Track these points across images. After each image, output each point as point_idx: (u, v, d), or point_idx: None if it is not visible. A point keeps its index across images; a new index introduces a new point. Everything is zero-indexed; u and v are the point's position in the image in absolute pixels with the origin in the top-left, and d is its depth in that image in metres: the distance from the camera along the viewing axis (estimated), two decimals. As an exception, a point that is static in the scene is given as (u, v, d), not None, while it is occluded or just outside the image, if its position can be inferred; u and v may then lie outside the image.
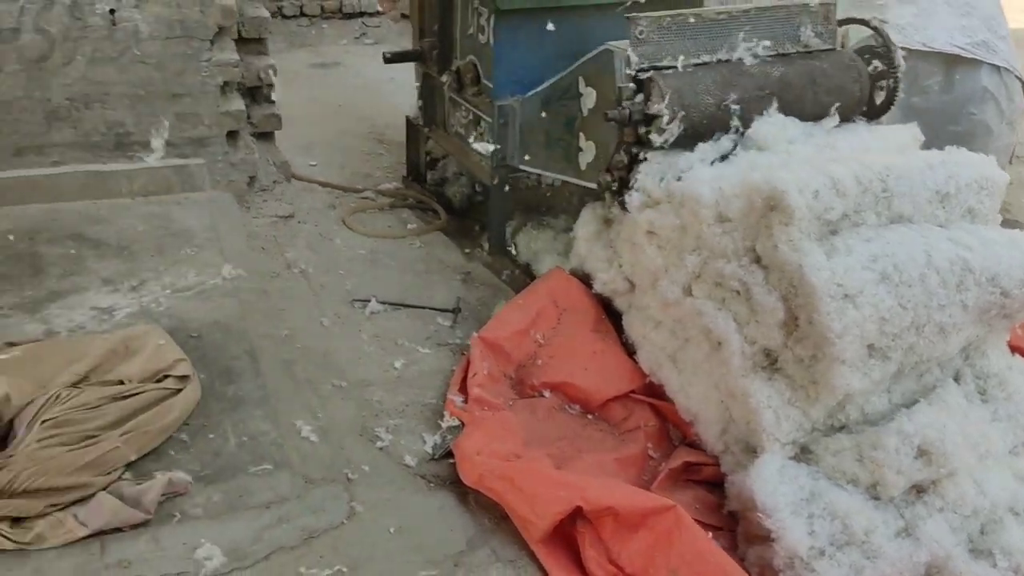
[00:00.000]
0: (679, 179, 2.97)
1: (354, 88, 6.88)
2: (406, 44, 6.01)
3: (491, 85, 4.01)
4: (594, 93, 3.37)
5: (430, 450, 2.90)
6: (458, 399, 3.06)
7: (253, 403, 2.92)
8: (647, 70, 3.11)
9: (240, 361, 3.13)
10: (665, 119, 3.03)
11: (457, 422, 2.94)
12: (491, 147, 4.04)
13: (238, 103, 4.24)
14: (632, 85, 3.10)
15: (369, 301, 3.74)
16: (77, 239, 3.81)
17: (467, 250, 4.38)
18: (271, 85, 4.37)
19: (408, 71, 6.53)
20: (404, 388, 3.21)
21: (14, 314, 3.26)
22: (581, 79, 3.43)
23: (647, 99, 3.06)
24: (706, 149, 3.02)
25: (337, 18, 8.30)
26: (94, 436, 2.61)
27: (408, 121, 5.03)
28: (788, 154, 3.03)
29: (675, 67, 3.12)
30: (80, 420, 2.64)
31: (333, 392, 3.14)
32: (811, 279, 2.59)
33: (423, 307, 3.76)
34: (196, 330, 3.26)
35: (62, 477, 2.44)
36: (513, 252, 4.30)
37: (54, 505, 2.41)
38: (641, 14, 3.16)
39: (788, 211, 2.65)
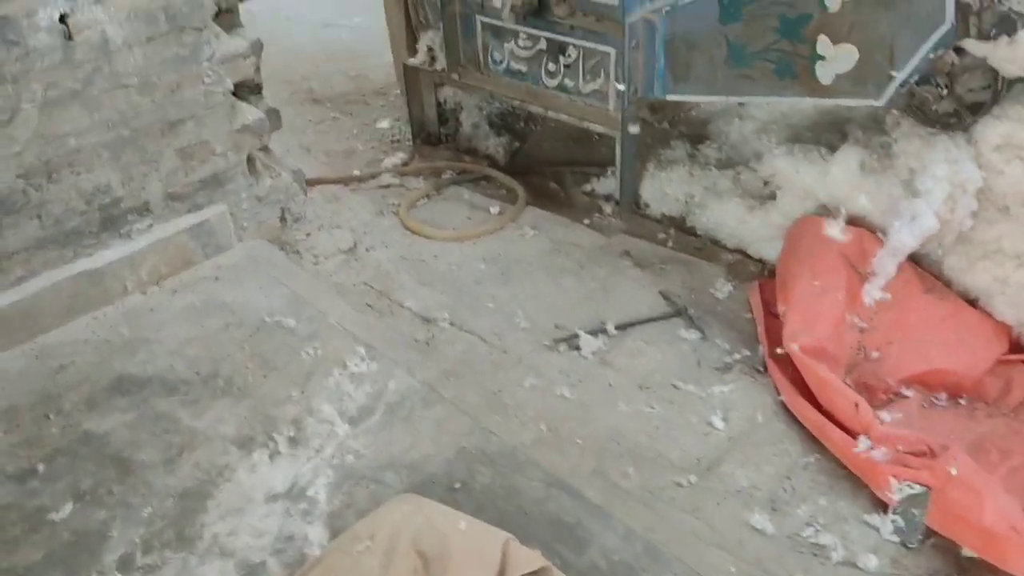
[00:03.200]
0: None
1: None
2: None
3: (612, 0, 2.94)
4: (860, -21, 2.44)
5: (896, 538, 2.06)
6: (873, 449, 2.20)
7: (650, 566, 1.91)
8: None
9: (555, 503, 2.07)
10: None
11: (915, 488, 2.09)
12: (620, 86, 3.02)
13: (253, 111, 2.86)
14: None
15: (576, 336, 2.71)
16: (129, 387, 2.42)
17: (585, 221, 3.37)
18: (258, 68, 2.96)
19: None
20: (757, 453, 2.31)
21: (167, 561, 1.95)
22: (828, -36, 2.48)
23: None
24: None
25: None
26: None
27: (407, 69, 3.78)
28: None
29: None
30: None
31: (690, 496, 2.19)
32: None
33: (639, 322, 2.79)
34: (446, 475, 2.14)
35: None
36: (642, 207, 3.36)
37: None
38: None
39: None
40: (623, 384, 2.54)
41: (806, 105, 3.11)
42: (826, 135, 3.06)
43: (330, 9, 5.52)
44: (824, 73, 2.63)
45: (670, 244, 3.19)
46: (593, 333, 2.72)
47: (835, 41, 2.56)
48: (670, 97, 3.08)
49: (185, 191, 2.76)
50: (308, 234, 3.14)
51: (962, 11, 2.23)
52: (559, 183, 3.67)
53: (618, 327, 2.76)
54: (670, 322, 2.78)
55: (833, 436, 2.26)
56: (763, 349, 2.61)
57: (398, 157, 3.89)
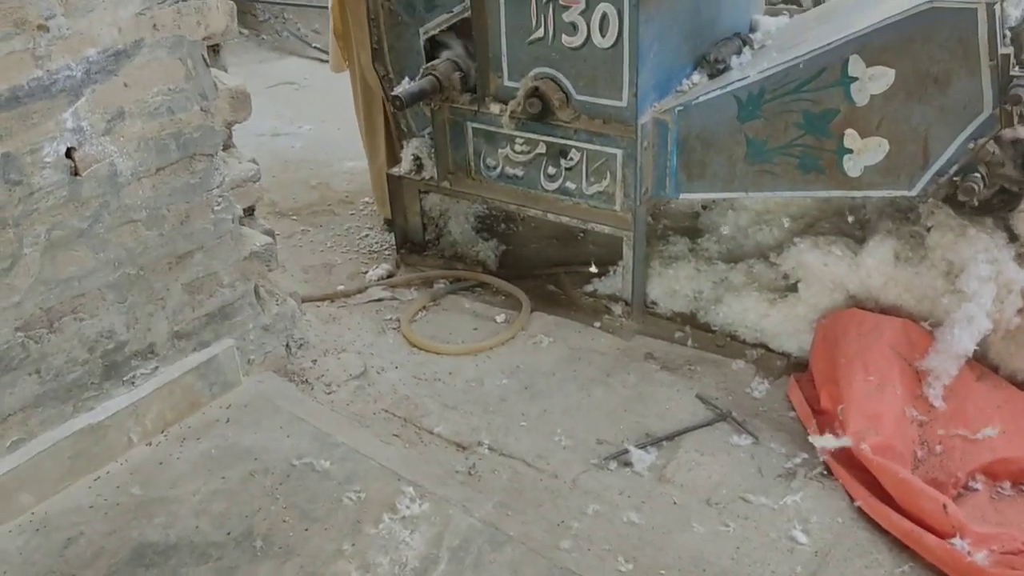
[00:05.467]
0: None
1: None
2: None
3: (620, 102, 2.89)
4: (890, 73, 2.45)
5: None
6: (971, 552, 2.11)
7: None
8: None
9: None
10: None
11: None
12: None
13: (259, 236, 2.67)
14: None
15: (626, 451, 2.56)
16: (152, 558, 2.15)
17: (596, 324, 3.25)
18: (257, 179, 2.75)
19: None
20: (848, 568, 2.19)
21: None
22: (855, 59, 2.49)
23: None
24: None
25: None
26: None
27: (391, 179, 3.65)
28: None
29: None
30: None
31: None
32: None
33: (686, 430, 2.67)
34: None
35: None
36: (651, 304, 3.28)
37: None
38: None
39: None
40: (689, 502, 2.39)
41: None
42: (839, 224, 3.05)
43: (275, 119, 5.36)
44: (852, 166, 2.62)
45: (690, 343, 3.10)
46: (643, 447, 2.58)
47: (864, 135, 2.57)
48: (683, 196, 3.04)
49: (191, 328, 2.53)
50: (314, 360, 2.92)
51: (1010, 101, 2.24)
52: (557, 285, 3.55)
53: (666, 438, 2.63)
54: (716, 428, 2.67)
55: (928, 543, 2.16)
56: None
57: (383, 268, 3.71)
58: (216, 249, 2.50)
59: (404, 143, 3.63)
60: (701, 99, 2.81)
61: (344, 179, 4.61)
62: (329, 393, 2.81)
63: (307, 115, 5.44)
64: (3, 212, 2.02)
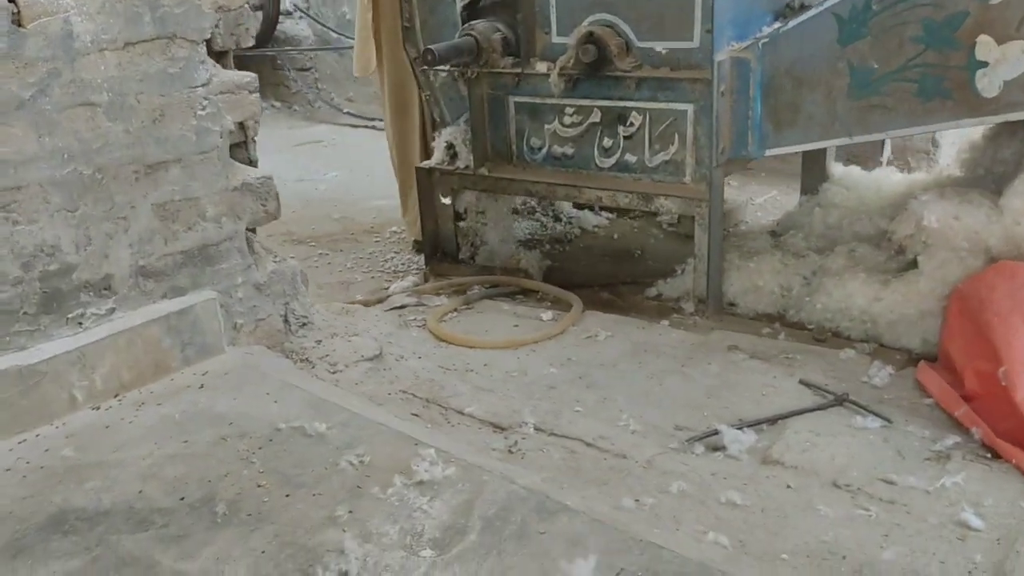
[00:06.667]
0: None
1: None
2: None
3: (691, 43, 2.45)
4: (1033, -47, 1.98)
5: None
6: None
7: None
8: None
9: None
10: None
11: None
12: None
13: (254, 170, 2.19)
14: None
15: (716, 433, 1.95)
16: (75, 524, 1.55)
17: (664, 322, 2.68)
18: (255, 138, 2.32)
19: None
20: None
21: None
22: (989, -59, 2.02)
23: None
24: None
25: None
26: None
27: (420, 174, 3.18)
28: None
29: None
30: None
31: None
32: None
33: (792, 414, 2.05)
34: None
35: None
36: (729, 305, 2.72)
37: None
38: None
39: None
40: (809, 484, 1.76)
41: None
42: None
43: (301, 169, 5.01)
44: (988, 84, 2.12)
45: (782, 337, 2.51)
46: (739, 428, 1.96)
47: (1001, 40, 2.08)
48: (770, 152, 2.54)
49: (162, 266, 2.01)
50: (319, 341, 2.37)
51: None
52: (613, 294, 3.00)
53: (767, 420, 2.01)
54: (830, 413, 2.05)
55: None
56: (980, 431, 1.88)
57: (408, 281, 3.21)
58: (198, 168, 2.01)
59: (436, 134, 3.20)
60: (792, 25, 2.35)
61: (370, 213, 4.18)
62: (335, 373, 2.25)
63: (334, 165, 5.10)
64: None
